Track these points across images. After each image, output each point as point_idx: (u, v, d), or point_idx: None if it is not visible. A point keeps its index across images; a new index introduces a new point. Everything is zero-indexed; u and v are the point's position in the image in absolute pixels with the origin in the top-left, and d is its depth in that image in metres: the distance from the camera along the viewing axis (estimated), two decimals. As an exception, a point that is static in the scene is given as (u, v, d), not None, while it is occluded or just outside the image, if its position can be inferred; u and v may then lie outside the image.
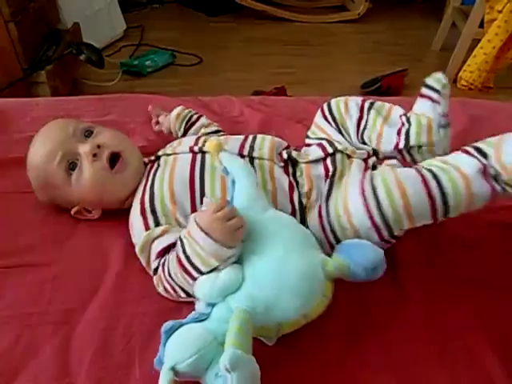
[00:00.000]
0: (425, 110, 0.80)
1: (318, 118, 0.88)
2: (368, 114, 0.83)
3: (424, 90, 0.81)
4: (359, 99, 0.85)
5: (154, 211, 0.72)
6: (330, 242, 0.70)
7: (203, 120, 0.98)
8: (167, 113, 1.01)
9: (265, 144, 0.81)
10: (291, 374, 0.61)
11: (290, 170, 0.77)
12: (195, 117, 0.98)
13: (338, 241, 0.68)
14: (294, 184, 0.75)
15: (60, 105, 1.15)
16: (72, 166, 0.76)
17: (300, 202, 0.73)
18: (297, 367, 0.62)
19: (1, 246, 0.77)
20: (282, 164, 0.77)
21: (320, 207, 0.71)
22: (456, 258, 0.77)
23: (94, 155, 0.75)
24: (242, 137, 0.84)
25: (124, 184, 0.77)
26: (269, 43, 2.72)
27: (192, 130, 0.96)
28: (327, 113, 0.86)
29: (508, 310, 0.70)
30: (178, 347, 0.55)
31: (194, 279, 0.62)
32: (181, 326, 0.57)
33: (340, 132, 0.85)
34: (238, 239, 0.60)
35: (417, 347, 0.65)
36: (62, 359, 0.62)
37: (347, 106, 0.84)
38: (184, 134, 0.97)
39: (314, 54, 2.62)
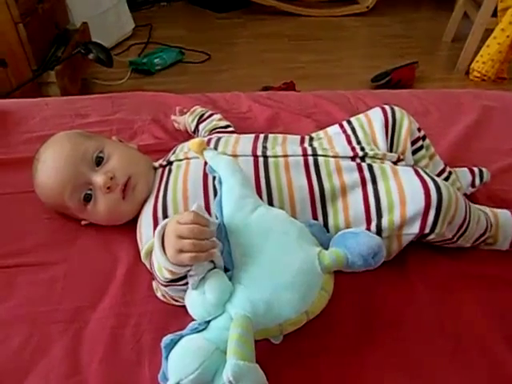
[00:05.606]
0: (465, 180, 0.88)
1: (376, 119, 0.82)
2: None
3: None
4: (420, 135, 0.84)
5: (166, 218, 0.70)
6: None
7: (215, 116, 1.00)
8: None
9: (277, 141, 0.80)
10: (302, 373, 0.61)
11: (312, 162, 0.74)
12: (208, 113, 1.01)
13: None
14: (315, 179, 0.72)
15: (69, 104, 1.16)
16: (87, 197, 0.75)
17: (322, 194, 0.70)
18: (309, 366, 0.61)
19: (11, 245, 0.77)
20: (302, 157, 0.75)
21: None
22: (469, 254, 0.76)
23: (108, 187, 0.74)
24: (252, 136, 0.83)
25: (135, 207, 0.77)
26: (277, 38, 2.70)
27: (203, 124, 0.98)
28: (390, 122, 0.81)
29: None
30: (180, 362, 0.53)
31: (165, 286, 0.62)
32: (181, 338, 0.56)
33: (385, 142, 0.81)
34: (180, 261, 0.54)
35: (430, 346, 0.64)
36: (73, 357, 0.62)
37: (410, 131, 0.81)
38: (196, 129, 0.99)
39: (323, 49, 2.60)
